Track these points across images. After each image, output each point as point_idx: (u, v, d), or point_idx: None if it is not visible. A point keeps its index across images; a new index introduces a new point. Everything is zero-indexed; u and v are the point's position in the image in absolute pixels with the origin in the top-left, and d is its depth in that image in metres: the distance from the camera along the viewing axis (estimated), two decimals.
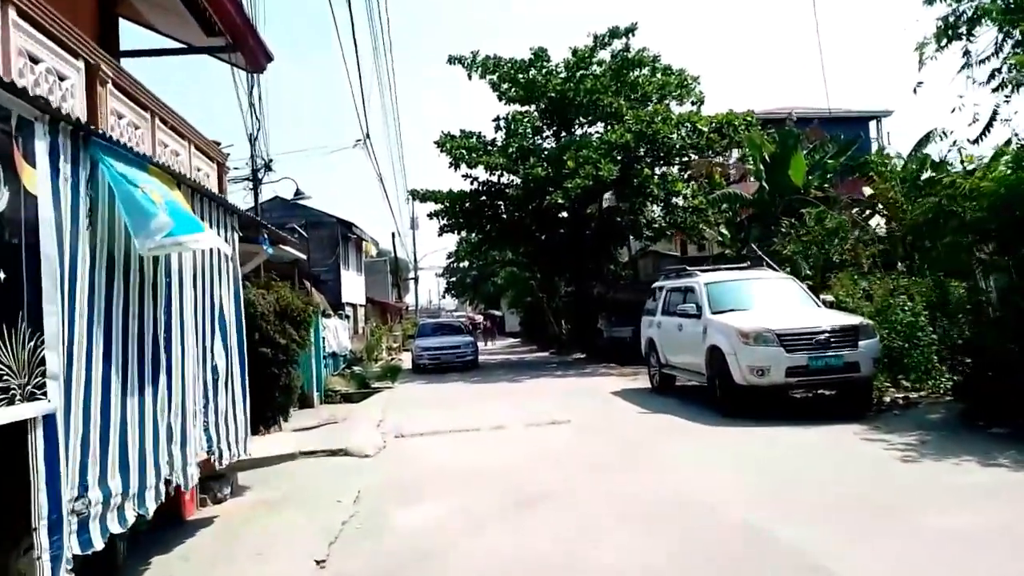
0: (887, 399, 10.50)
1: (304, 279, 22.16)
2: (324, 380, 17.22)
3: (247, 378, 5.80)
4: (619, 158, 19.67)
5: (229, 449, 5.41)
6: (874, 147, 27.89)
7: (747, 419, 9.45)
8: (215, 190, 6.61)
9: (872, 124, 32.11)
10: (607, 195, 24.24)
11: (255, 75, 11.37)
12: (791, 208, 19.80)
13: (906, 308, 11.29)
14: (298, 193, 12.88)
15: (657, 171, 20.86)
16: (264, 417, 6.48)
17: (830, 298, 11.73)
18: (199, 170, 8.06)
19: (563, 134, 23.65)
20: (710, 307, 11.09)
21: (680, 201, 20.67)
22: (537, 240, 24.84)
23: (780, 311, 10.64)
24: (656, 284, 14.33)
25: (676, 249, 31.07)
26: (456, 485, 6.64)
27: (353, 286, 30.45)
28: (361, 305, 32.63)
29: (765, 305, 11.01)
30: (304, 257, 10.84)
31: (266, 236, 6.56)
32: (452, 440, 9.39)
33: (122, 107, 5.76)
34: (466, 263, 60.11)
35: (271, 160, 13.16)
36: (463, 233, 24.31)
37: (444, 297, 72.84)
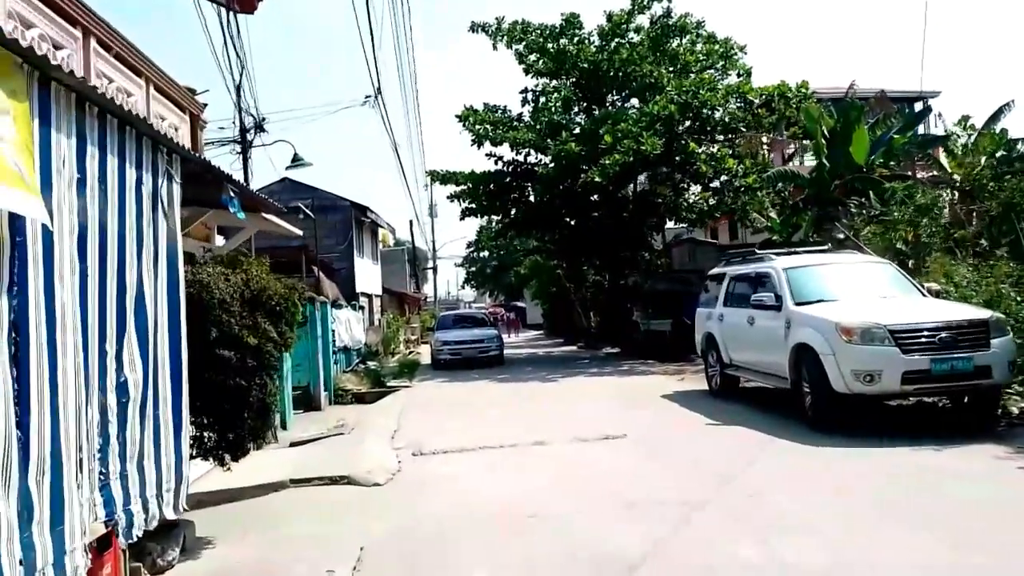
0: (1014, 410, 8.51)
1: (313, 266, 20.45)
2: (333, 378, 15.47)
3: (185, 395, 3.96)
4: (662, 131, 17.63)
5: (147, 510, 3.58)
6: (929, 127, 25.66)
7: (847, 435, 7.55)
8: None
9: (918, 105, 29.93)
10: (641, 177, 22.24)
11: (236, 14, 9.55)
12: (853, 188, 17.75)
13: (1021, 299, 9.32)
14: (296, 159, 10.99)
15: (702, 148, 18.75)
16: (222, 446, 4.61)
17: (935, 286, 9.70)
18: (163, 120, 6.24)
19: (595, 109, 21.62)
20: (792, 297, 9.12)
21: (725, 180, 18.49)
22: (567, 225, 22.87)
23: (884, 302, 8.67)
24: (714, 271, 12.36)
25: (707, 236, 29.00)
26: (496, 544, 4.77)
27: (368, 275, 28.72)
28: (377, 295, 30.91)
29: (861, 295, 9.05)
30: (299, 233, 9.04)
31: (233, 195, 4.73)
32: (483, 461, 7.53)
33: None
34: (486, 252, 58.44)
35: (264, 119, 11.30)
36: (486, 217, 22.37)
37: (463, 288, 71.11)
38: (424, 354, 28.08)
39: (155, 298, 3.78)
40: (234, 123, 10.55)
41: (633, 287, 22.06)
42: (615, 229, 21.25)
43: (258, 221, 7.40)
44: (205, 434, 4.65)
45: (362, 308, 23.90)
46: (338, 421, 12.07)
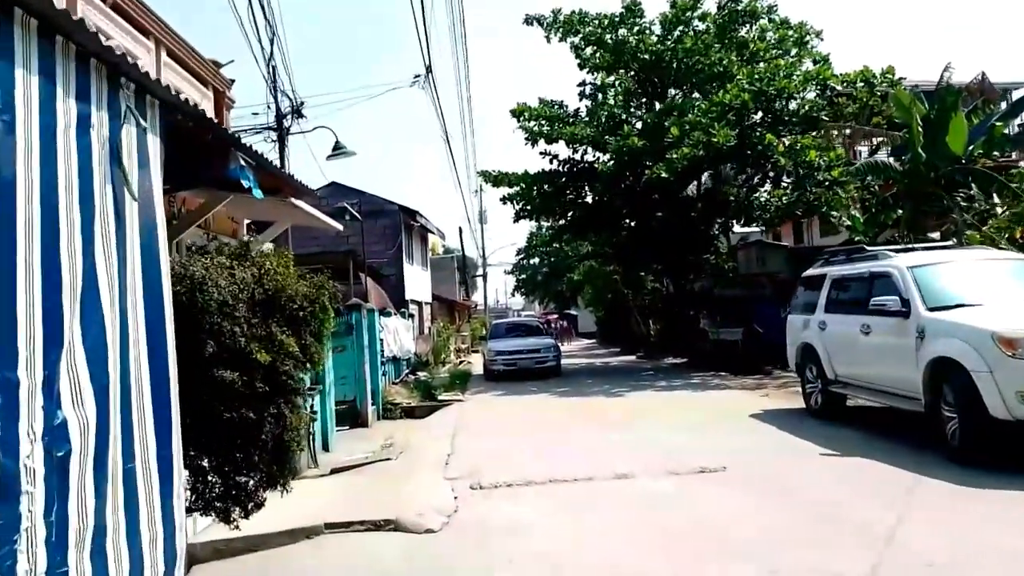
0: None
1: (360, 272, 19.51)
2: (382, 391, 14.38)
3: (176, 436, 2.77)
4: (734, 122, 16.08)
5: None
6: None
7: (1006, 472, 6.04)
8: None
9: (1016, 93, 27.54)
10: (704, 176, 20.66)
11: None
12: (952, 181, 15.91)
13: None
14: (337, 147, 9.89)
15: (779, 140, 17.06)
16: (226, 497, 3.41)
17: None
18: (179, 94, 5.12)
19: (656, 104, 20.15)
20: (924, 301, 7.58)
21: (805, 174, 16.72)
22: (626, 227, 21.41)
23: None
24: (810, 273, 10.82)
25: (768, 239, 27.10)
26: None
27: (418, 282, 27.74)
28: (427, 303, 29.92)
29: (1010, 298, 7.45)
30: (339, 227, 7.91)
31: (244, 164, 3.57)
32: (557, 501, 6.22)
33: None
34: (537, 259, 57.13)
35: (302, 103, 10.19)
36: (540, 221, 21.04)
37: (513, 295, 69.93)
38: (475, 364, 26.91)
39: (120, 298, 2.61)
40: (268, 108, 9.53)
41: (701, 293, 20.47)
42: (680, 230, 19.71)
43: (290, 212, 6.30)
44: (204, 479, 3.47)
45: (411, 316, 22.87)
46: (386, 440, 10.95)
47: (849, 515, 5.31)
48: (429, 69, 15.00)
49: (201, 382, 3.01)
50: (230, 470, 3.37)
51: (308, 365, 3.79)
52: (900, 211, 17.40)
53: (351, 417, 12.44)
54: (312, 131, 9.58)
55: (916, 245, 9.80)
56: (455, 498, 6.41)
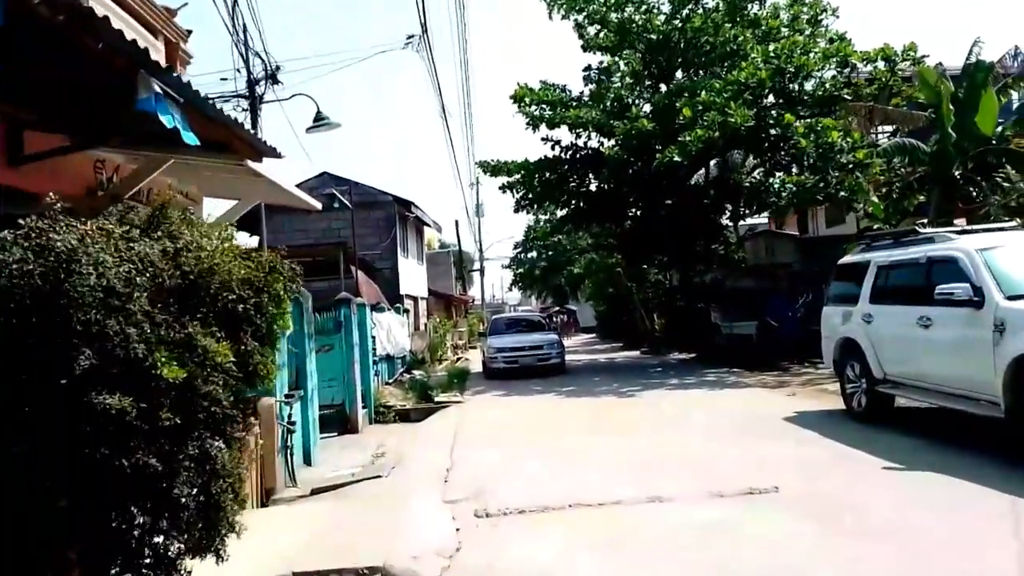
0: None
1: (352, 265, 18.39)
2: (374, 393, 13.28)
3: None
4: (751, 102, 14.98)
5: None
6: None
7: None
8: None
9: None
10: (712, 162, 19.55)
11: None
12: (984, 163, 14.87)
13: None
14: (319, 118, 8.68)
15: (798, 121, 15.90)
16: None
17: None
18: None
19: (662, 88, 19.02)
20: (1001, 289, 6.51)
21: (827, 156, 15.53)
22: (633, 216, 20.29)
23: None
24: (849, 260, 9.75)
25: (772, 229, 26.00)
26: None
27: (413, 276, 26.60)
28: (423, 298, 28.80)
29: None
30: (317, 206, 6.72)
31: (161, 94, 2.46)
32: (580, 533, 5.13)
33: None
34: (534, 253, 55.94)
35: (277, 68, 8.95)
36: (544, 208, 19.86)
37: (511, 290, 68.76)
38: (473, 360, 25.80)
39: None
40: (238, 71, 8.21)
41: (711, 285, 19.39)
42: (689, 219, 18.60)
43: (254, 185, 5.19)
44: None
45: (406, 311, 21.74)
46: (377, 449, 9.86)
47: (952, 556, 4.24)
48: (425, 28, 13.65)
49: (72, 414, 1.93)
50: (110, 551, 2.23)
51: (249, 381, 2.70)
52: (921, 197, 16.39)
53: (339, 422, 11.35)
54: (289, 99, 8.46)
55: (975, 227, 8.72)
56: (457, 530, 5.31)
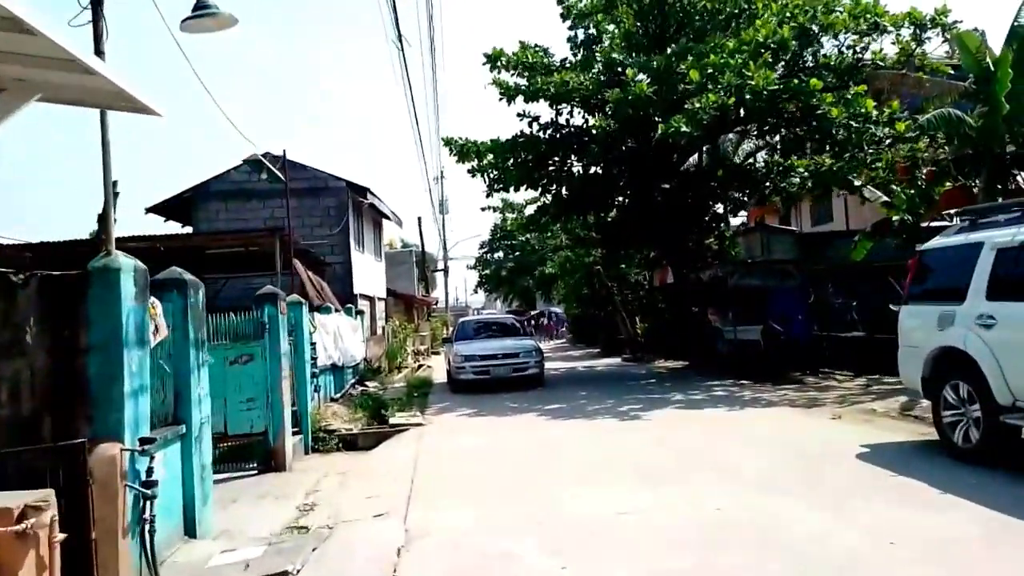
0: None
1: (296, 258, 15.52)
2: (312, 414, 10.56)
3: None
4: (772, 63, 12.62)
5: None
6: None
7: None
8: None
9: None
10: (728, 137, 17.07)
11: None
12: None
13: None
14: (201, 6, 5.81)
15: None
16: None
17: None
18: None
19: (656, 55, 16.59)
20: None
21: (858, 129, 13.08)
22: (620, 205, 17.83)
23: None
24: (942, 243, 7.37)
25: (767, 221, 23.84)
26: None
27: (369, 274, 23.79)
28: (380, 298, 25.98)
29: None
30: (158, 113, 4.06)
31: None
32: None
33: None
34: (500, 253, 53.28)
35: None
36: (519, 190, 17.16)
37: (476, 292, 65.94)
38: (436, 368, 23.13)
39: None
40: None
41: (711, 283, 17.02)
42: (687, 206, 16.19)
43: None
44: None
45: (360, 313, 18.94)
46: (306, 498, 7.22)
47: None
48: None
49: None
50: None
51: None
52: (948, 184, 14.26)
53: (260, 456, 8.62)
54: None
55: None
56: None
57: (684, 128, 11.95)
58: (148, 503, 4.70)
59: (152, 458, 4.76)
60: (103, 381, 4.54)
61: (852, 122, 12.15)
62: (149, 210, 20.85)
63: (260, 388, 8.63)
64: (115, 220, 4.87)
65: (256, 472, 8.50)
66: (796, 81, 12.54)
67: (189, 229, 21.15)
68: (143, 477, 4.71)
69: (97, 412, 4.53)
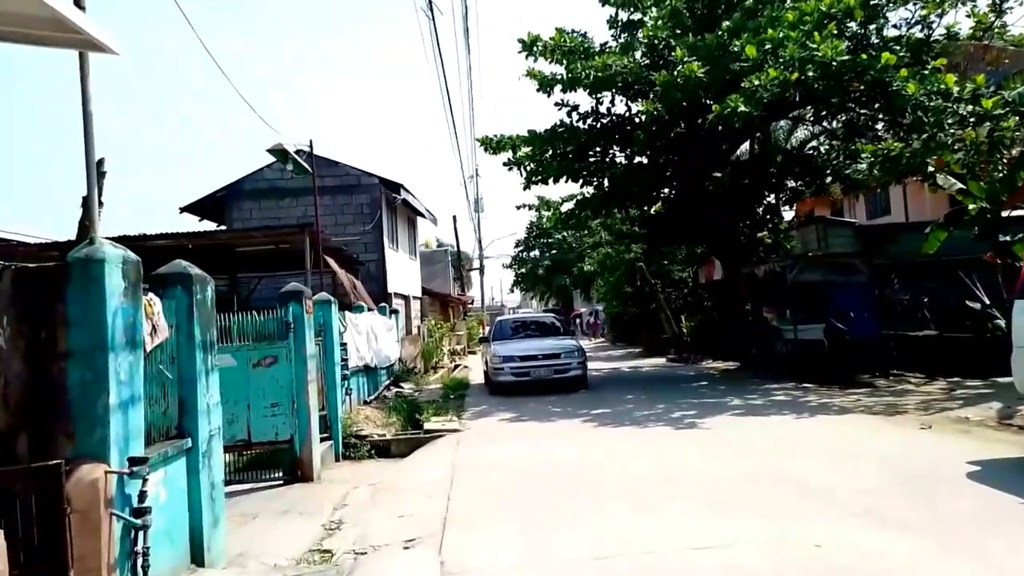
0: None
1: (328, 256, 14.90)
2: (342, 419, 9.88)
3: None
4: (837, 35, 11.54)
5: None
6: None
7: None
8: None
9: None
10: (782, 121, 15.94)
11: None
12: None
13: None
14: None
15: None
16: None
17: None
18: None
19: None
20: None
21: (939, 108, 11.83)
22: (667, 197, 16.84)
23: None
24: None
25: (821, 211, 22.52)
26: None
27: (404, 272, 23.18)
28: (415, 297, 25.36)
29: None
30: (110, 48, 3.34)
31: None
32: None
33: None
34: (537, 252, 52.44)
35: None
36: (561, 182, 16.30)
37: (512, 291, 65.22)
38: (473, 367, 22.42)
39: None
40: None
41: (767, 278, 15.94)
42: (740, 196, 15.13)
43: None
44: None
45: (395, 312, 18.30)
46: (331, 517, 6.54)
47: None
48: None
49: None
50: None
51: None
52: None
53: (286, 465, 7.97)
54: None
55: None
56: None
57: (742, 108, 10.95)
58: (140, 534, 3.99)
59: (145, 480, 4.05)
60: (85, 392, 3.84)
61: (929, 100, 11.02)
62: (183, 209, 20.56)
63: (285, 392, 7.97)
64: (101, 204, 4.15)
65: (281, 483, 7.86)
66: (865, 56, 11.43)
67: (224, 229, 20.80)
68: (134, 503, 4.01)
69: (79, 428, 3.84)
